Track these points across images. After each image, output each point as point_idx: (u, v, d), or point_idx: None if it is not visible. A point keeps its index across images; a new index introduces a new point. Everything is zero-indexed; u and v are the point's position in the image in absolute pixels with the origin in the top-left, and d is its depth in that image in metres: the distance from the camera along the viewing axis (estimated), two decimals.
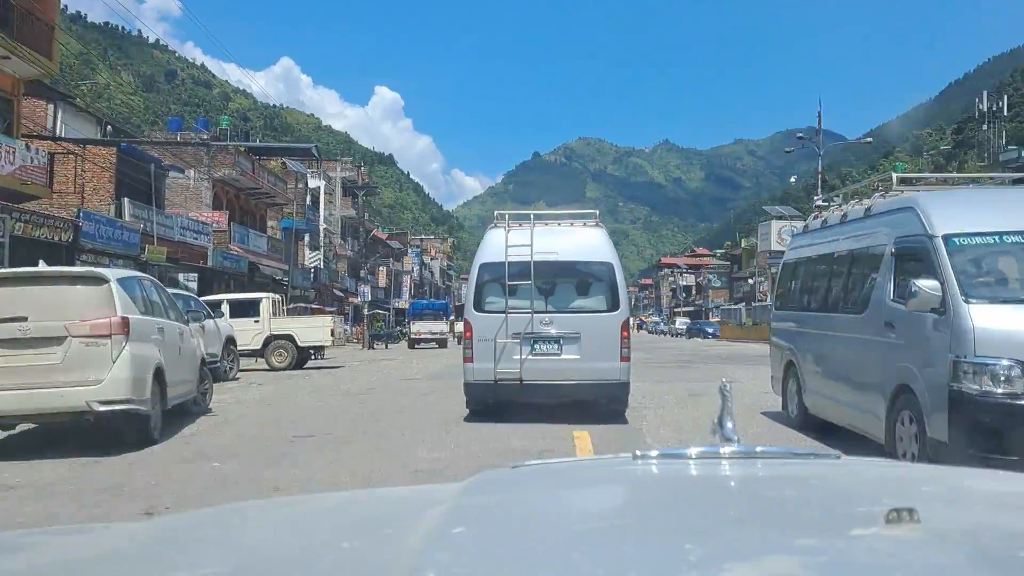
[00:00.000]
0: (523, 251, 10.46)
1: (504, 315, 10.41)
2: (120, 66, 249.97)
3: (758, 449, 1.57)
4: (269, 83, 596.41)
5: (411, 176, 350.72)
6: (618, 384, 10.48)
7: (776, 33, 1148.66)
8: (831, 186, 52.10)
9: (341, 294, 57.28)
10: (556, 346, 10.46)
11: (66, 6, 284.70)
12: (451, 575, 0.84)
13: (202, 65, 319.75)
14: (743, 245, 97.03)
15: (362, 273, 51.41)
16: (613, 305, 10.63)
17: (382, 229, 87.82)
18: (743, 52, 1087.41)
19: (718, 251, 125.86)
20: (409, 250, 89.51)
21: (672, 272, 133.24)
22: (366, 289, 44.83)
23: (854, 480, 1.47)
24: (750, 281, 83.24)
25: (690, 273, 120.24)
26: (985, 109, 70.85)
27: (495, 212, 11.46)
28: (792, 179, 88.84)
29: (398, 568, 0.86)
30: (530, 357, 10.37)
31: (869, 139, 71.48)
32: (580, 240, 10.91)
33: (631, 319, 12.38)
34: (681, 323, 77.88)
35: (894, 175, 9.66)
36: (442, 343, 41.58)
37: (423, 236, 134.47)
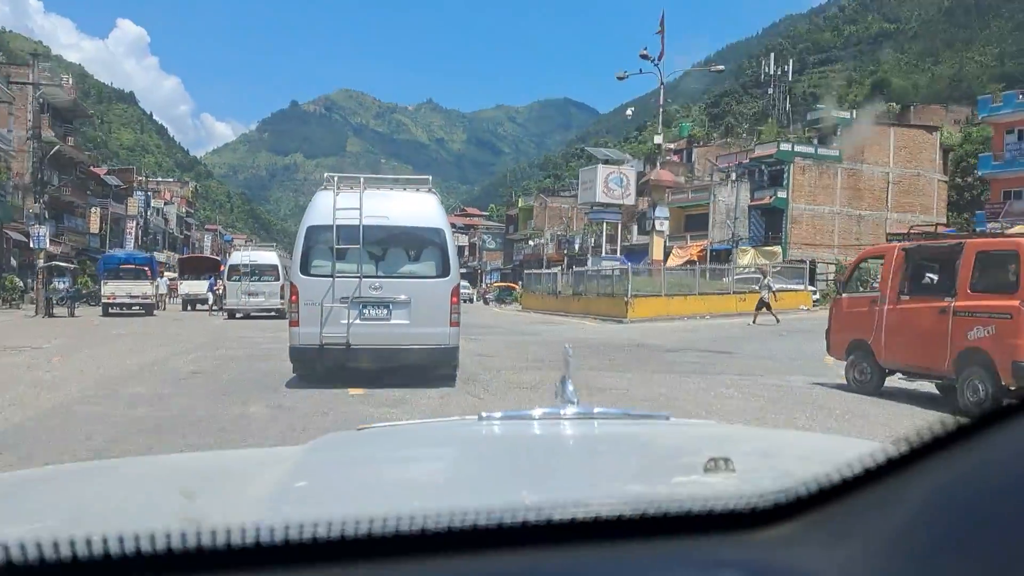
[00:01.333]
0: (352, 214, 10.22)
1: (331, 279, 10.23)
2: None
3: (596, 410, 1.69)
4: None
5: (155, 117, 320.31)
6: (448, 349, 10.53)
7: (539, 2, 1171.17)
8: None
9: (24, 238, 44.56)
10: (385, 311, 10.35)
11: None
12: (290, 525, 0.81)
13: None
14: (520, 205, 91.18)
15: (37, 208, 39.22)
16: (444, 271, 10.59)
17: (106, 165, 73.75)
18: (507, 17, 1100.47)
19: (489, 212, 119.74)
20: (136, 191, 75.28)
21: None
22: (41, 231, 33.27)
23: (681, 438, 1.60)
24: (531, 243, 77.31)
25: (462, 233, 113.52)
26: (772, 71, 69.62)
27: (325, 175, 11.22)
28: (629, 112, 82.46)
29: (240, 518, 0.84)
30: (358, 322, 10.23)
31: (720, 67, 65.21)
32: (412, 205, 10.79)
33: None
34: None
35: None
36: (148, 309, 32.93)
37: (160, 179, 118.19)
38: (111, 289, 32.11)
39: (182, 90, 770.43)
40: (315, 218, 10.55)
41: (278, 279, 28.25)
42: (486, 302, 67.05)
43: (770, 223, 48.67)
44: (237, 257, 31.17)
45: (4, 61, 58.39)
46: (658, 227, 33.06)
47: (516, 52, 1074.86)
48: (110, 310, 32.05)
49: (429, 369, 10.90)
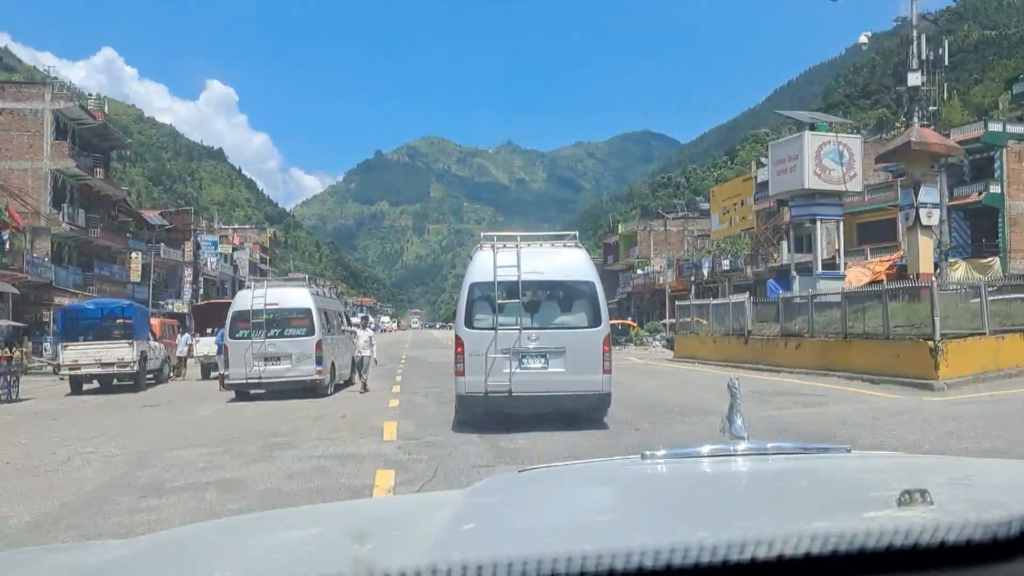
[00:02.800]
0: (511, 271, 10.81)
1: (494, 331, 10.74)
2: None
3: (768, 445, 1.56)
4: (90, 75, 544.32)
5: (243, 172, 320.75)
6: (600, 395, 10.88)
7: (613, 37, 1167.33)
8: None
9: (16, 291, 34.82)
10: (543, 360, 10.76)
11: None
12: (467, 566, 0.81)
13: (4, 48, 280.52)
14: (620, 231, 78.87)
15: (48, 249, 29.57)
16: (595, 321, 10.98)
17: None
18: (581, 56, 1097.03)
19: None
20: (201, 237, 65.69)
21: None
22: None
23: (866, 470, 1.46)
24: (639, 271, 64.96)
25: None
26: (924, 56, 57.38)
27: (482, 234, 11.80)
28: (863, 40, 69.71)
29: (413, 561, 0.85)
30: (518, 370, 10.67)
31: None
32: (563, 260, 11.28)
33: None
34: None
35: None
36: (136, 381, 22.58)
37: (236, 226, 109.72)
38: (73, 355, 21.64)
39: (270, 145, 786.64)
40: (477, 275, 11.14)
41: (312, 332, 17.38)
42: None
43: (978, 227, 36.21)
44: (246, 298, 18.15)
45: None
46: (925, 220, 20.54)
47: (594, 88, 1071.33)
48: (83, 385, 21.45)
49: (584, 414, 11.20)
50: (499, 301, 10.86)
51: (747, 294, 29.09)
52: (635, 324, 52.57)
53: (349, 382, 19.71)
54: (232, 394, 17.75)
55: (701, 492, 1.34)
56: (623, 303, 75.21)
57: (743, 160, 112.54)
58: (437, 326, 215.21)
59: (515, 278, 10.78)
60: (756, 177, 52.61)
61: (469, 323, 10.94)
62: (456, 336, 11.12)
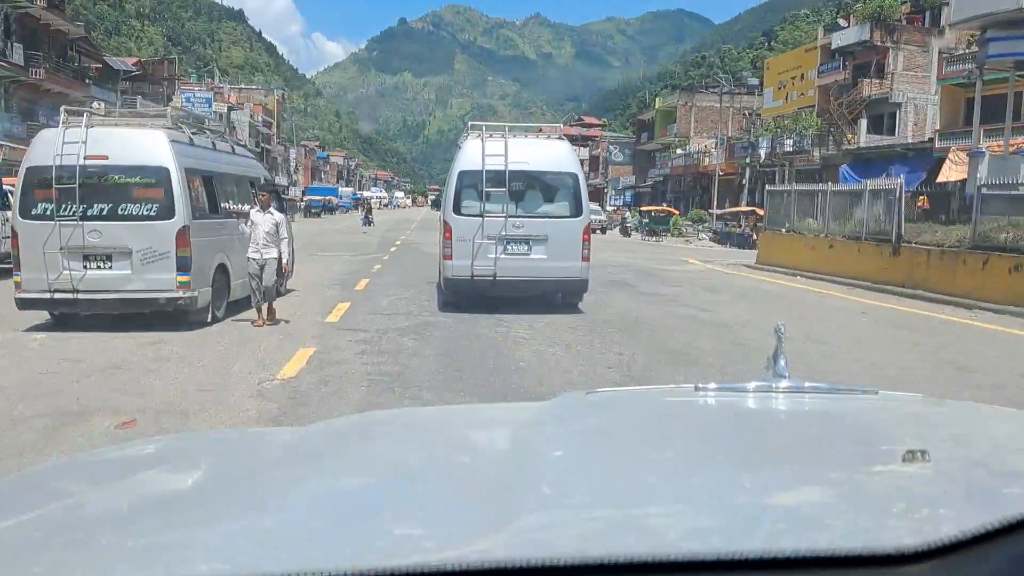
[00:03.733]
0: (498, 160, 10.90)
1: (481, 218, 10.90)
2: None
3: (806, 385, 1.72)
4: None
5: (264, 35, 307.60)
6: (579, 281, 11.35)
7: None
8: None
9: None
10: (526, 247, 11.04)
11: None
12: (563, 496, 1.00)
13: None
14: (656, 106, 69.49)
15: None
16: (577, 211, 11.30)
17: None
18: None
19: (604, 125, 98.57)
20: (190, 92, 57.88)
21: None
22: None
23: (885, 418, 1.61)
24: (679, 151, 56.29)
25: (580, 145, 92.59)
26: None
27: (470, 123, 12.09)
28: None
29: (516, 490, 0.99)
30: (503, 256, 10.93)
31: None
32: (548, 151, 11.43)
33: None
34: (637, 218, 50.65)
35: None
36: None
37: (240, 85, 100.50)
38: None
39: (294, 8, 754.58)
40: (465, 163, 11.15)
41: (171, 212, 9.42)
42: (626, 232, 47.41)
43: None
44: (48, 145, 9.36)
45: None
46: None
47: None
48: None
49: (563, 297, 11.73)
50: (486, 189, 10.97)
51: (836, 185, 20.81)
52: (676, 211, 44.76)
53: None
54: (33, 315, 9.83)
55: (745, 430, 1.52)
56: (658, 187, 66.89)
57: (784, 40, 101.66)
58: None
59: (503, 167, 10.91)
60: (822, 47, 43.68)
61: (457, 210, 11.12)
62: (444, 222, 11.29)
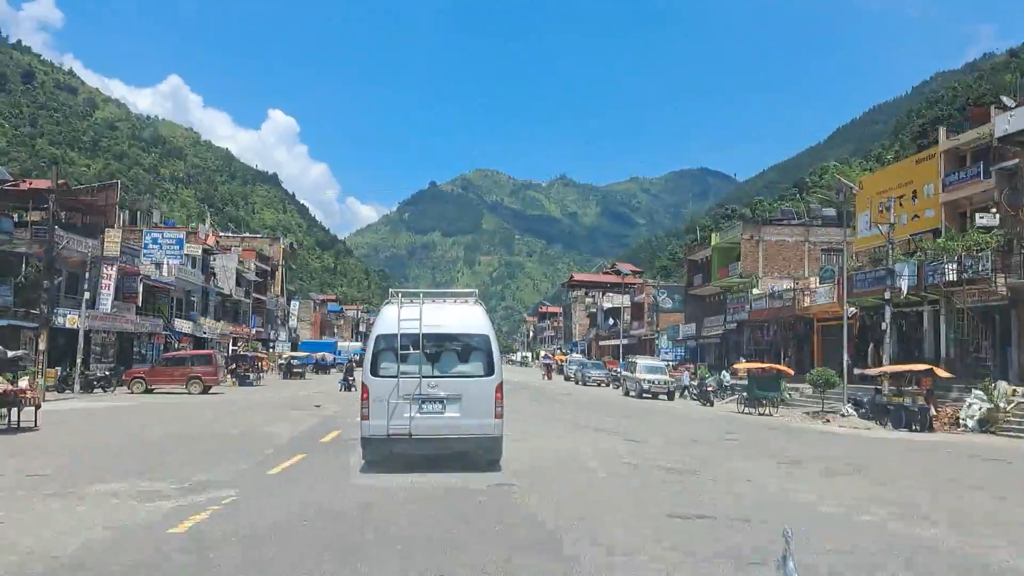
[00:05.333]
0: (413, 324, 11.26)
1: (396, 379, 11.15)
2: None
3: None
4: (156, 102, 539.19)
5: (296, 197, 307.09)
6: (493, 438, 11.43)
7: (670, 75, 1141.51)
8: None
9: None
10: (441, 405, 11.23)
11: None
12: None
13: (69, 70, 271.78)
14: (713, 243, 56.05)
15: None
16: (489, 371, 11.47)
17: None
18: (638, 91, 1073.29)
19: (642, 275, 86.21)
20: (148, 232, 46.74)
21: (590, 293, 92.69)
22: None
23: None
24: (755, 292, 42.72)
25: (619, 292, 79.27)
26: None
27: (390, 291, 12.32)
28: None
29: None
30: (418, 415, 11.14)
31: None
32: (462, 315, 11.82)
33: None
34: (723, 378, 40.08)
35: None
36: None
37: (245, 234, 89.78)
38: None
39: (329, 176, 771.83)
40: (382, 327, 11.56)
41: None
42: (706, 399, 33.29)
43: None
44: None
45: None
46: None
47: (649, 124, 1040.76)
48: None
49: (479, 456, 11.74)
50: (402, 352, 11.22)
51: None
52: (789, 370, 30.59)
53: None
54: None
55: None
56: (730, 336, 52.63)
57: (828, 184, 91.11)
58: None
59: (417, 330, 11.23)
60: (945, 152, 31.02)
61: (375, 371, 11.33)
62: (362, 383, 11.52)
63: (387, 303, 11.89)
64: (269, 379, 53.40)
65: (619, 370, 55.53)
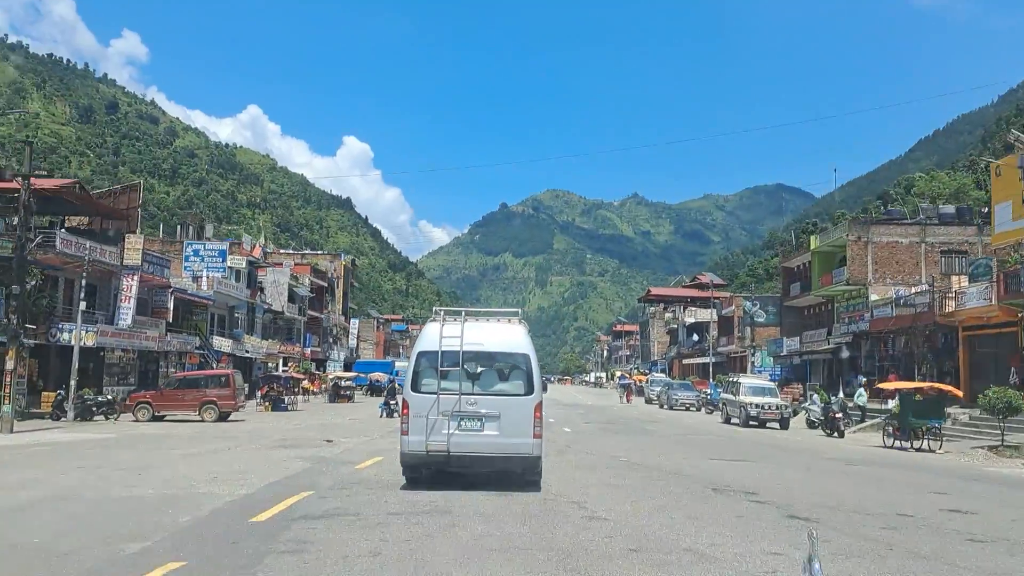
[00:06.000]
0: (455, 342, 11.21)
1: (436, 396, 11.05)
2: (57, 96, 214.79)
3: None
4: (236, 131, 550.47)
5: (369, 221, 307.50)
6: (531, 458, 11.14)
7: (744, 91, 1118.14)
8: None
9: None
10: (479, 423, 11.08)
11: (6, 35, 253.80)
12: None
13: (151, 101, 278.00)
14: (813, 246, 48.42)
15: None
16: (529, 390, 11.24)
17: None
18: (710, 108, 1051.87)
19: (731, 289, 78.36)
20: (189, 243, 41.65)
21: (670, 308, 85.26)
22: None
23: None
24: (874, 299, 34.77)
25: (702, 306, 71.77)
26: None
27: (433, 309, 12.53)
28: None
29: None
30: (456, 432, 10.99)
31: None
32: (503, 334, 11.63)
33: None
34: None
35: None
36: None
37: (306, 251, 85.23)
38: None
39: (402, 200, 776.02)
40: (424, 345, 11.47)
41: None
42: (834, 428, 26.06)
43: None
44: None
45: None
46: None
47: (723, 141, 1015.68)
48: None
49: (517, 476, 11.56)
50: (442, 368, 11.16)
51: None
52: (957, 391, 23.12)
53: None
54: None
55: None
56: (840, 352, 44.64)
57: (920, 191, 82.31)
58: (554, 380, 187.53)
59: (458, 348, 11.16)
60: None
61: (416, 387, 11.28)
62: (402, 399, 11.40)
63: (430, 320, 11.92)
64: (315, 402, 47.72)
65: (707, 392, 48.07)
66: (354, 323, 79.68)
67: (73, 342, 31.83)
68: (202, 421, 29.30)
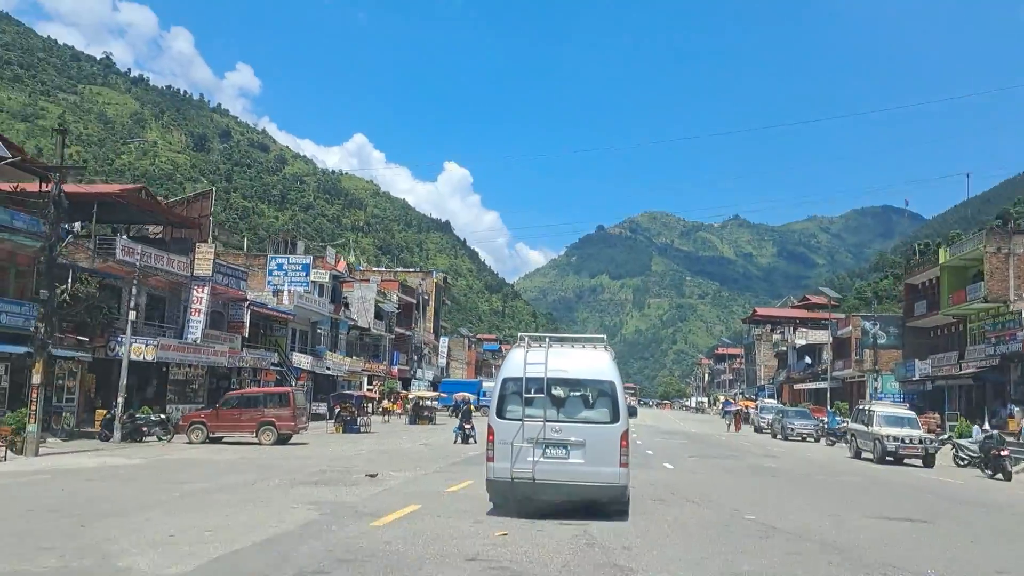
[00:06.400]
0: (539, 368, 10.95)
1: (521, 422, 10.79)
2: (174, 126, 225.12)
3: None
4: (343, 159, 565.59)
5: (467, 243, 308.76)
6: (618, 487, 10.77)
7: (847, 109, 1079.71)
8: None
9: None
10: (564, 451, 10.75)
11: (129, 68, 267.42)
12: None
13: (262, 130, 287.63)
14: (942, 260, 42.27)
15: None
16: (615, 417, 10.91)
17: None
18: (814, 128, 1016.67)
19: (833, 306, 72.16)
20: (272, 257, 39.33)
21: (778, 329, 79.01)
22: None
23: None
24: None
25: (812, 327, 65.88)
26: None
27: (518, 335, 12.23)
28: None
29: None
30: (541, 459, 10.68)
31: None
32: (588, 360, 11.28)
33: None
34: None
35: None
36: None
37: (398, 268, 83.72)
38: None
39: (500, 224, 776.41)
40: (509, 371, 11.26)
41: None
42: (996, 468, 20.63)
43: None
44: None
45: None
46: None
47: (828, 161, 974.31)
48: None
49: (602, 505, 11.03)
50: (526, 395, 10.94)
51: None
52: None
53: None
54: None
55: None
56: (988, 376, 38.67)
57: None
58: (652, 404, 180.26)
59: (542, 375, 10.91)
60: None
61: (500, 414, 11.05)
62: (488, 425, 11.22)
63: (515, 346, 11.66)
64: (395, 423, 44.50)
65: (824, 420, 42.50)
66: (443, 341, 76.71)
67: (130, 356, 29.46)
68: (259, 444, 26.24)
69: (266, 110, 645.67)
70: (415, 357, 67.57)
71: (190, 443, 26.53)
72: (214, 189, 39.70)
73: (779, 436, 41.88)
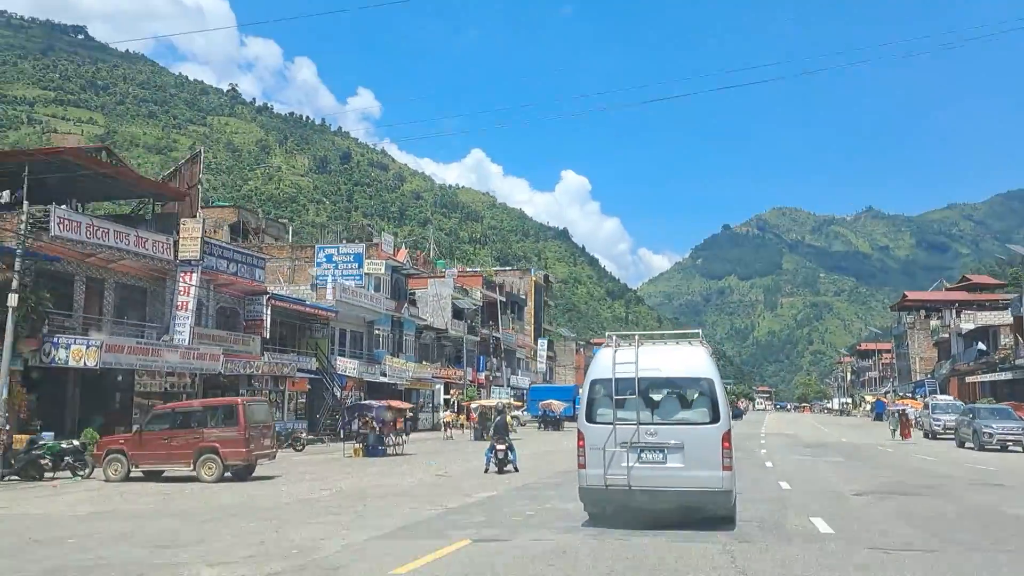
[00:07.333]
0: (629, 368, 10.13)
1: (613, 426, 9.98)
2: (297, 151, 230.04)
3: None
4: (461, 174, 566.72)
5: (586, 250, 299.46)
6: (721, 492, 9.80)
7: (988, 91, 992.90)
8: None
9: None
10: (661, 455, 9.90)
11: (255, 98, 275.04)
12: None
13: (382, 150, 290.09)
14: None
15: None
16: (714, 418, 9.96)
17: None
18: (951, 110, 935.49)
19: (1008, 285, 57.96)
20: (320, 247, 30.62)
21: (936, 316, 65.36)
22: None
23: None
24: None
25: (980, 309, 52.44)
26: None
27: (607, 334, 11.29)
28: None
29: None
30: (636, 464, 9.86)
31: None
32: (683, 357, 10.48)
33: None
34: None
35: None
36: None
37: (496, 267, 75.27)
38: None
39: (621, 229, 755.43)
40: (597, 372, 10.46)
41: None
42: None
43: None
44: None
45: None
46: None
47: (967, 145, 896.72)
48: None
49: (705, 512, 10.03)
50: (617, 397, 10.06)
51: None
52: None
53: None
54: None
55: None
56: None
57: None
58: (789, 407, 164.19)
59: (632, 375, 10.04)
60: None
61: (591, 418, 10.26)
62: (578, 430, 10.44)
63: (604, 346, 10.78)
64: (458, 439, 35.31)
65: None
66: (542, 344, 67.17)
67: (75, 361, 21.53)
68: (197, 481, 17.57)
69: (387, 132, 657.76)
70: (498, 362, 57.87)
71: (107, 480, 18.15)
72: (202, 150, 31.84)
73: (969, 444, 29.91)
